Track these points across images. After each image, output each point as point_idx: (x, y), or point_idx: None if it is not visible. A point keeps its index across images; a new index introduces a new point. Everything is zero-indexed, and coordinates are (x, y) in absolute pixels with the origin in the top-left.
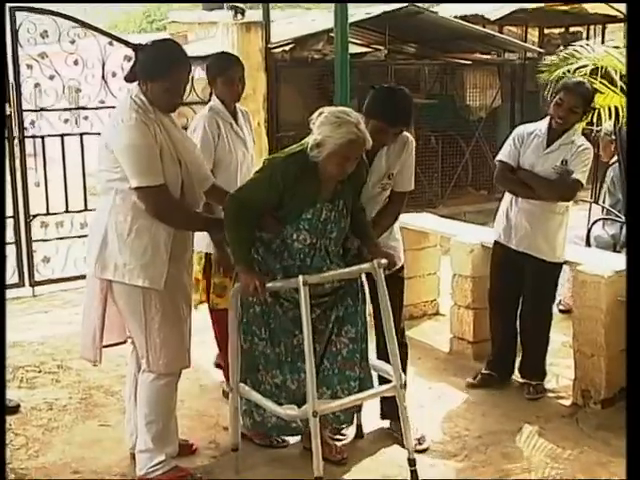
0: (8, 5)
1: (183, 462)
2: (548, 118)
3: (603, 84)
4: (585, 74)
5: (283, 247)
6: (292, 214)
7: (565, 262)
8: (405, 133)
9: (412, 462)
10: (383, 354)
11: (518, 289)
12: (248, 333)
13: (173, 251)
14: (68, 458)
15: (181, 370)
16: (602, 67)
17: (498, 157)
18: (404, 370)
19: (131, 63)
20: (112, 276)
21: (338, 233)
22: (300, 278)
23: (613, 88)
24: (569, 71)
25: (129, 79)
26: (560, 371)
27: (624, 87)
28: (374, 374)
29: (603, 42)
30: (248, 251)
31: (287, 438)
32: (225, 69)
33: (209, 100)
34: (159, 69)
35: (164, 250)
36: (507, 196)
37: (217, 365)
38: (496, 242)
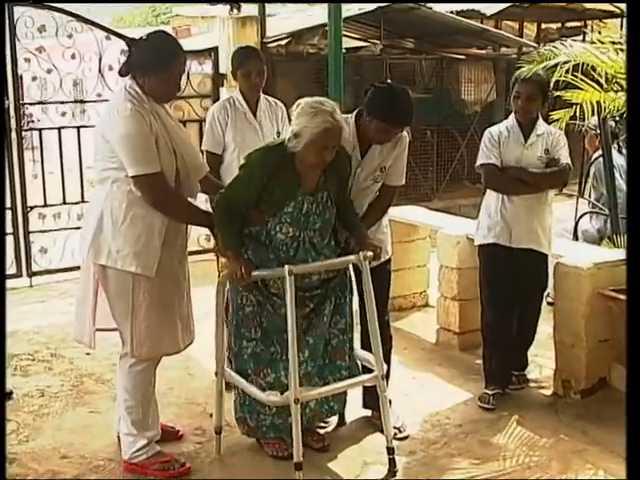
0: None
1: (169, 448)
2: (512, 115)
3: (584, 81)
4: (568, 70)
5: (269, 239)
6: (274, 207)
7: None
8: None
9: (390, 450)
10: (367, 344)
11: (515, 288)
12: (237, 336)
13: (166, 238)
14: (57, 443)
15: (161, 356)
16: (583, 64)
17: (481, 162)
18: (388, 361)
19: (125, 57)
20: (105, 261)
21: (322, 225)
22: (286, 268)
23: (592, 84)
24: (553, 66)
25: (123, 73)
26: (544, 362)
27: (604, 83)
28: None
29: (600, 37)
30: (237, 239)
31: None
32: (242, 63)
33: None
34: (159, 62)
35: (157, 238)
36: (493, 197)
37: None
38: (493, 244)
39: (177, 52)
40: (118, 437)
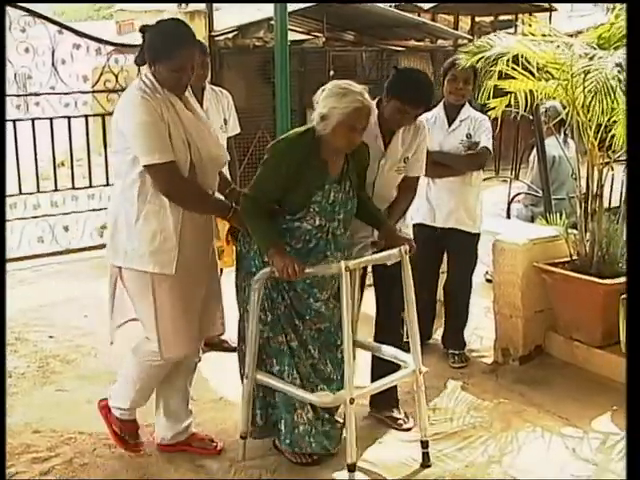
0: None
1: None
2: (442, 102)
3: (518, 71)
4: (508, 60)
5: (290, 230)
6: (304, 197)
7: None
8: (419, 118)
9: (425, 444)
10: (382, 338)
11: (438, 264)
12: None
13: (184, 235)
14: (28, 419)
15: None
16: (517, 55)
17: None
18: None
19: (139, 46)
20: (122, 262)
21: (345, 215)
22: (342, 264)
23: (526, 73)
24: (488, 58)
25: (139, 62)
26: (484, 334)
27: (536, 72)
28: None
29: (531, 29)
30: (275, 234)
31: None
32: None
33: None
34: (164, 50)
35: (173, 235)
36: (422, 181)
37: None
38: (420, 225)
39: (185, 40)
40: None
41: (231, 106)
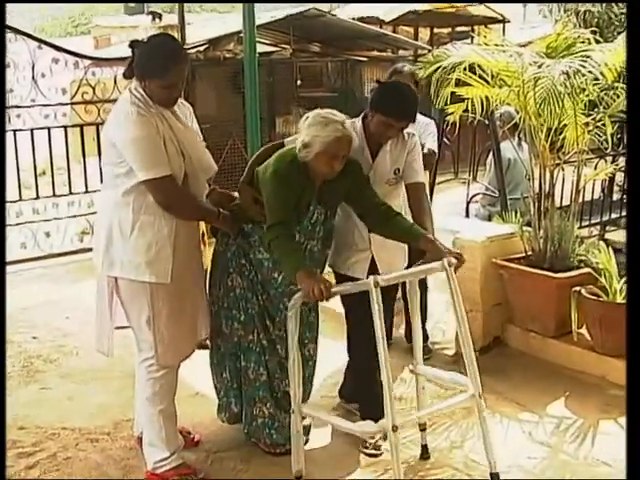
0: None
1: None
2: None
3: (473, 78)
4: (465, 69)
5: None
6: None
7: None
8: (406, 130)
9: (495, 476)
10: None
11: None
12: (229, 318)
13: (176, 242)
14: (15, 416)
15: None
16: (473, 63)
17: None
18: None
19: (129, 60)
20: (119, 273)
21: (324, 234)
22: (371, 279)
23: (481, 81)
24: (446, 67)
25: (127, 75)
26: (446, 327)
27: (490, 80)
28: None
29: (485, 39)
30: (300, 258)
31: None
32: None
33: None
34: (156, 68)
35: (168, 244)
36: None
37: None
38: None
39: (176, 58)
40: (139, 438)
41: (192, 116)
